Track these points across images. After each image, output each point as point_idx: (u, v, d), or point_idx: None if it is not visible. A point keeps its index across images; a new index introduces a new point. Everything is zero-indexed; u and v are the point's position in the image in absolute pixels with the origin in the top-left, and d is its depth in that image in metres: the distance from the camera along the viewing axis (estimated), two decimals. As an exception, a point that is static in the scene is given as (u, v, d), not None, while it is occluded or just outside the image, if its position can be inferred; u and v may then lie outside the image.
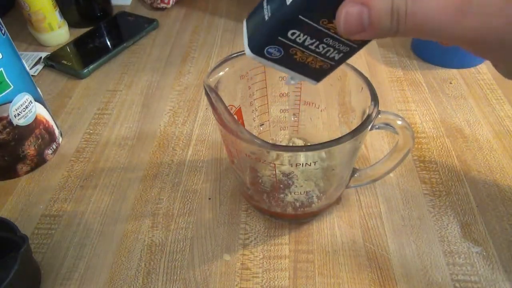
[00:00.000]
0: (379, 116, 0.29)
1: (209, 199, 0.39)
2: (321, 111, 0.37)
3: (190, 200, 0.39)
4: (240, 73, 0.34)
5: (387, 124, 0.30)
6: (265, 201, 0.35)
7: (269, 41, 0.22)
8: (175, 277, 0.33)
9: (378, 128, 0.30)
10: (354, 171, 0.35)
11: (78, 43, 0.60)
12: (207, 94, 0.29)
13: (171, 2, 0.67)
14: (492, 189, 0.38)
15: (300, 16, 0.20)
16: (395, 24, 0.19)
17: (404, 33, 0.19)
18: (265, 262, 0.34)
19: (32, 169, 0.42)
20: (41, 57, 0.58)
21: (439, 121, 0.45)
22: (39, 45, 0.61)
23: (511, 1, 0.17)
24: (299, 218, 0.36)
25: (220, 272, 0.33)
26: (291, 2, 0.20)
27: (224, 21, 0.65)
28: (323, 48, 0.22)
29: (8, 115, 0.38)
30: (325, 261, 0.33)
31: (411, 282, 0.32)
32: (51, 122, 0.44)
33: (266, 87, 0.36)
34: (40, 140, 0.42)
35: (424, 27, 0.19)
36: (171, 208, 0.38)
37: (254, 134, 0.29)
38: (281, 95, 0.37)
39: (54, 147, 0.44)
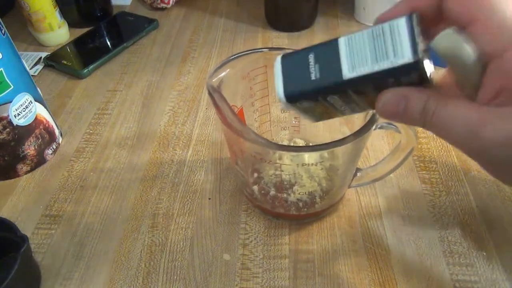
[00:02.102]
0: None
1: (209, 199, 0.39)
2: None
3: (190, 200, 0.39)
4: (242, 74, 0.34)
5: (389, 123, 0.30)
6: (269, 202, 0.35)
7: (308, 98, 0.23)
8: (175, 277, 0.33)
9: (381, 127, 0.31)
10: (357, 171, 0.35)
11: (78, 43, 0.60)
12: (210, 95, 0.29)
13: (171, 2, 0.67)
14: (492, 189, 0.38)
15: (350, 90, 0.22)
16: (422, 119, 0.21)
17: (429, 129, 0.21)
18: (265, 262, 0.34)
19: (32, 169, 0.42)
20: (41, 57, 0.58)
21: (439, 121, 0.45)
22: (39, 45, 0.61)
23: None
24: (302, 219, 0.36)
25: (220, 272, 0.33)
26: (350, 79, 0.21)
27: (224, 21, 0.65)
28: (345, 107, 0.24)
29: (8, 115, 0.38)
30: (325, 261, 0.33)
31: (411, 282, 0.32)
32: (51, 122, 0.44)
33: (267, 87, 0.36)
34: (40, 140, 0.42)
35: (444, 133, 0.21)
36: (171, 208, 0.38)
37: (255, 134, 0.29)
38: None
39: (54, 147, 0.44)
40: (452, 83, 0.23)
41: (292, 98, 0.23)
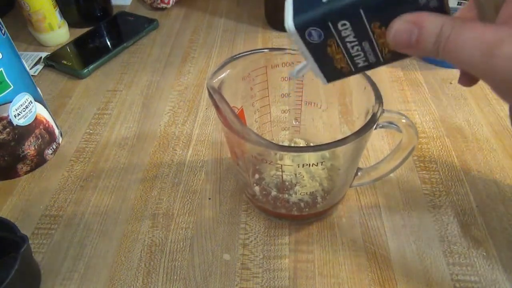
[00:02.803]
0: (383, 114, 0.29)
1: (209, 199, 0.39)
2: (322, 111, 0.37)
3: (190, 200, 0.39)
4: (242, 75, 0.34)
5: (390, 123, 0.30)
6: (270, 202, 0.35)
7: (317, 22, 0.22)
8: (175, 277, 0.33)
9: (382, 127, 0.31)
10: (358, 170, 0.35)
11: (78, 43, 0.60)
12: (210, 96, 0.29)
13: (171, 2, 0.67)
14: (492, 189, 0.38)
15: (361, 10, 0.20)
16: (436, 46, 0.20)
17: (443, 57, 0.20)
18: (265, 262, 0.34)
19: (32, 169, 0.42)
20: (41, 57, 0.58)
21: (439, 121, 0.45)
22: (39, 45, 0.61)
23: None
24: (304, 219, 0.36)
25: (220, 272, 0.33)
26: None
27: (224, 21, 0.65)
28: (357, 50, 0.23)
29: (8, 115, 0.38)
30: (325, 261, 0.33)
31: (411, 282, 0.32)
32: (51, 122, 0.44)
33: (267, 88, 0.36)
34: (40, 140, 0.42)
35: (458, 57, 0.20)
36: (171, 208, 0.38)
37: (255, 135, 0.29)
38: (282, 95, 0.37)
39: (54, 147, 0.44)
40: (467, 16, 0.22)
41: (301, 25, 0.22)
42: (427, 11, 0.20)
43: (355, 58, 0.23)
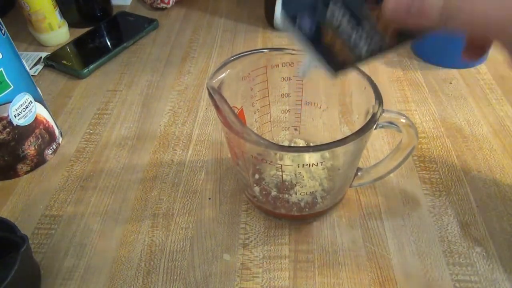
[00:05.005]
0: (383, 115, 0.29)
1: (209, 199, 0.39)
2: (322, 111, 0.37)
3: (190, 200, 0.39)
4: (242, 75, 0.34)
5: (390, 123, 0.30)
6: (270, 202, 0.35)
7: (307, 9, 0.21)
8: (175, 277, 0.33)
9: (382, 127, 0.31)
10: (358, 170, 0.35)
11: (78, 43, 0.60)
12: (210, 96, 0.29)
13: (171, 2, 0.67)
14: (492, 189, 0.38)
15: None
16: (445, 13, 0.18)
17: (453, 22, 0.18)
18: (265, 262, 0.34)
19: (32, 169, 0.42)
20: (41, 57, 0.58)
21: (439, 121, 0.45)
22: (39, 45, 0.61)
23: None
24: (304, 219, 0.36)
25: (220, 272, 0.33)
26: None
27: (224, 21, 0.65)
28: (355, 34, 0.21)
29: (8, 115, 0.38)
30: (325, 261, 0.33)
31: (411, 282, 0.32)
32: (51, 122, 0.44)
33: (267, 88, 0.36)
34: (40, 140, 0.42)
35: (477, 14, 0.18)
36: (171, 208, 0.38)
37: (255, 135, 0.29)
38: (282, 95, 0.37)
39: (54, 147, 0.44)
40: None
41: (291, 10, 0.21)
42: None
43: (356, 45, 0.22)
